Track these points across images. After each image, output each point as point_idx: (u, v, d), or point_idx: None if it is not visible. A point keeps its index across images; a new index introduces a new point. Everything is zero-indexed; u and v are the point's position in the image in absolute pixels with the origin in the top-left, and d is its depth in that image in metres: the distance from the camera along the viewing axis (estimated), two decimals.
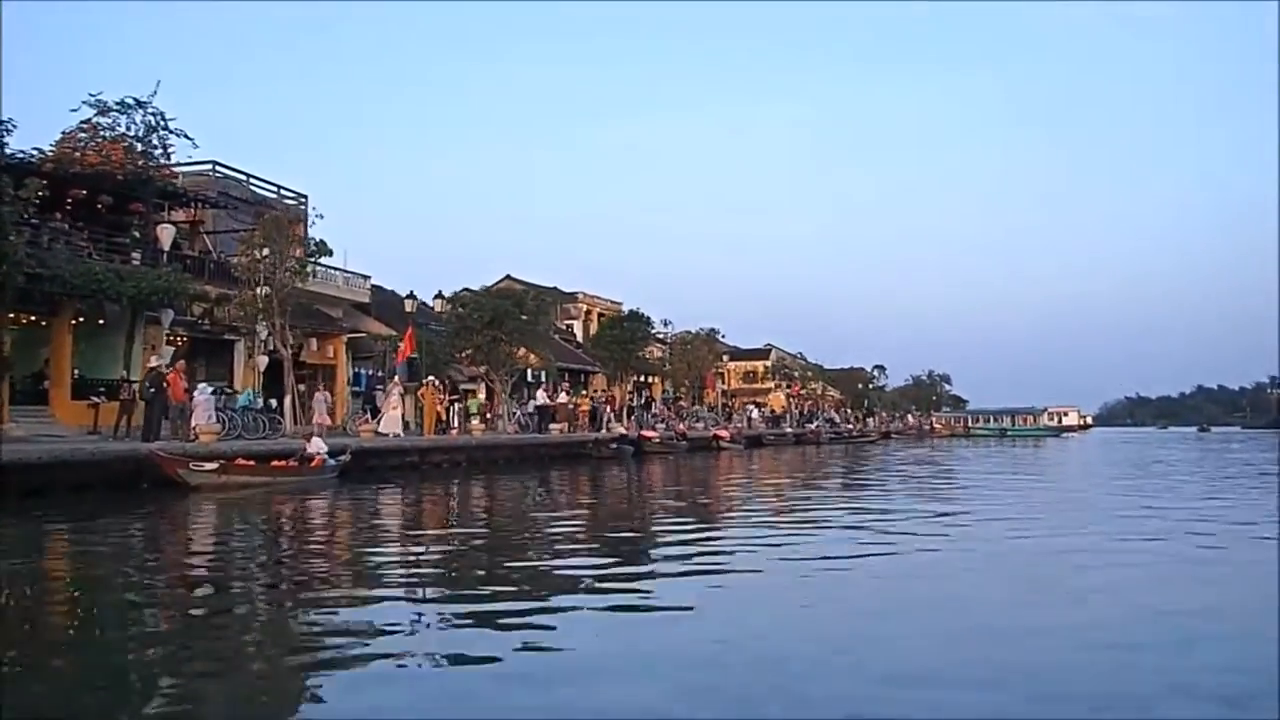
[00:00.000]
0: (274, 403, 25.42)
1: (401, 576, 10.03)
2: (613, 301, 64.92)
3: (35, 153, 23.57)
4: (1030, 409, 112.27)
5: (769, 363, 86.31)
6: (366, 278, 38.47)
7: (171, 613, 8.12)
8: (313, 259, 25.80)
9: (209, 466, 18.53)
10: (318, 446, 20.81)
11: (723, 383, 74.09)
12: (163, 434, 19.78)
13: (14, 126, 22.18)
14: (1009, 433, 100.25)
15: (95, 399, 23.73)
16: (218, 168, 33.86)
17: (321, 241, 26.08)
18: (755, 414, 63.32)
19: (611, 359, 45.11)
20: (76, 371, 25.52)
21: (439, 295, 35.78)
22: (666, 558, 11.16)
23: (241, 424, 22.28)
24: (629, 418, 42.69)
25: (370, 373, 35.78)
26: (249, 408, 23.14)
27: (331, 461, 21.12)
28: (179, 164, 32.38)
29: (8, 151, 23.04)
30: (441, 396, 30.62)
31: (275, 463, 20.32)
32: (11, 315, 24.45)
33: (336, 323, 34.97)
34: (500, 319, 31.66)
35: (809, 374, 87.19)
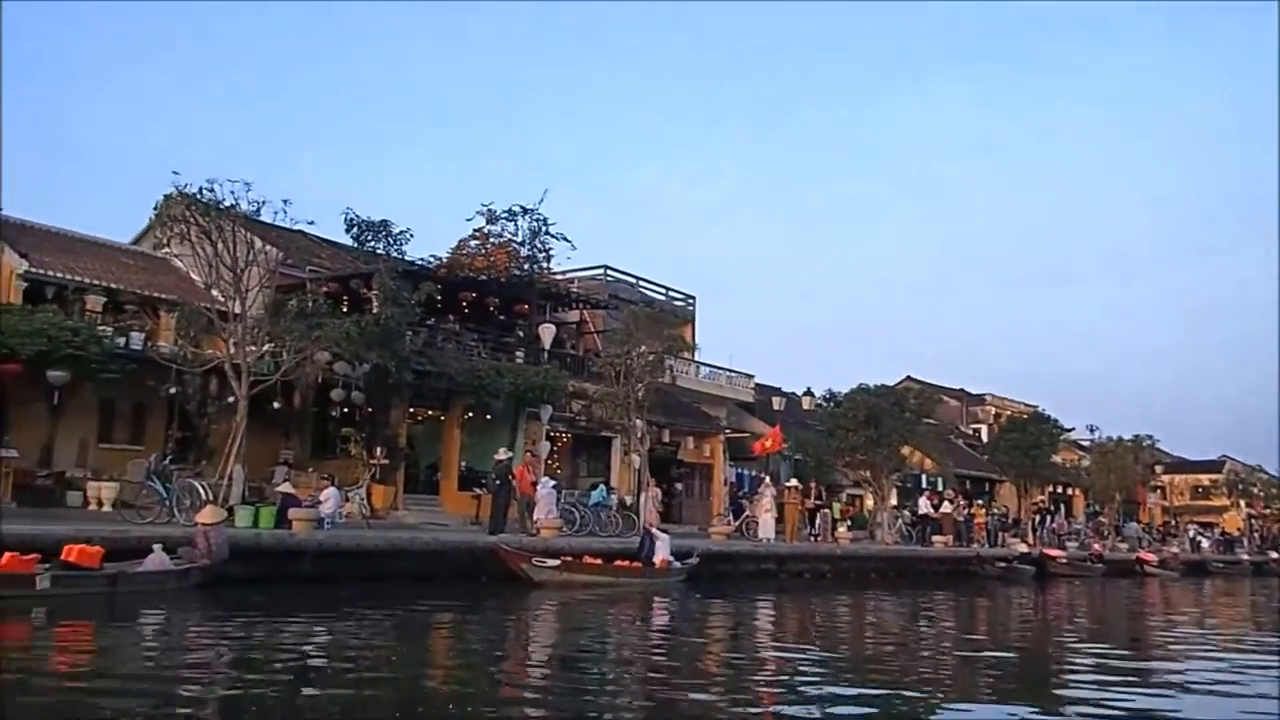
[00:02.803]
0: (628, 499, 25.19)
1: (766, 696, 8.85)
2: (1025, 405, 59.80)
3: (432, 259, 25.63)
4: None
5: (1221, 476, 74.82)
6: (750, 377, 38.16)
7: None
8: (671, 355, 25.53)
9: (551, 563, 18.28)
10: (661, 547, 19.95)
11: (1162, 498, 65.17)
12: (509, 527, 19.97)
13: (411, 235, 24.28)
14: None
15: (478, 490, 24.94)
16: (609, 271, 35.36)
17: (682, 339, 25.83)
18: (1200, 536, 54.57)
19: (1012, 465, 40.87)
20: (464, 464, 27.09)
21: (807, 393, 34.38)
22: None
23: (593, 520, 22.09)
24: (1033, 534, 38.16)
25: (753, 474, 35.04)
26: (601, 504, 23.00)
27: (677, 565, 20.18)
28: (574, 269, 34.42)
29: (407, 259, 25.22)
30: (806, 500, 28.94)
31: (620, 563, 19.74)
32: (412, 410, 26.65)
33: (714, 421, 34.70)
34: (878, 417, 29.52)
35: (1274, 490, 74.37)
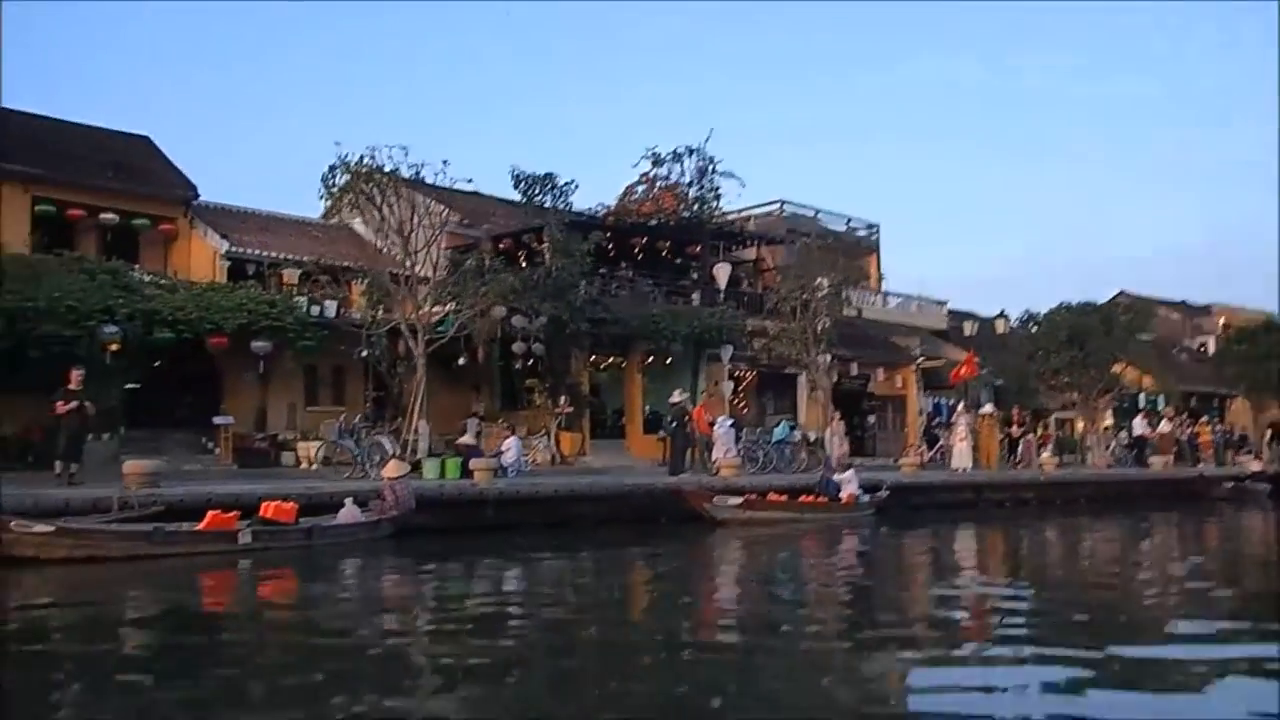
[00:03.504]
0: (812, 434, 24.68)
1: (970, 628, 8.64)
2: (1258, 312, 54.88)
3: (600, 208, 25.71)
4: None
5: None
6: (942, 304, 36.67)
7: (717, 650, 7.55)
8: (849, 285, 24.69)
9: (733, 502, 18.15)
10: (848, 481, 19.47)
11: None
12: (688, 467, 19.93)
13: (576, 186, 24.42)
14: None
15: (662, 433, 25.08)
16: (785, 205, 34.55)
17: (863, 269, 24.97)
18: None
19: (1243, 378, 37.68)
20: (648, 407, 27.27)
21: (1001, 315, 32.59)
22: None
23: (776, 457, 21.78)
24: (1268, 451, 35.07)
25: (949, 403, 33.76)
26: (784, 441, 22.61)
27: (865, 498, 19.65)
28: (750, 206, 33.88)
29: (575, 210, 25.39)
30: (1010, 427, 27.57)
31: (804, 499, 19.40)
32: (593, 358, 27.01)
33: (905, 351, 33.54)
34: (1082, 337, 27.68)
35: None
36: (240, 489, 13.97)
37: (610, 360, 27.81)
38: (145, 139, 28.26)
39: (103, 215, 24.23)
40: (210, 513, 12.31)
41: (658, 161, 26.41)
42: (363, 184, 17.85)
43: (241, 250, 25.08)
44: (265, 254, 25.09)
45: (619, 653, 7.56)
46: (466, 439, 18.39)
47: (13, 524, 10.97)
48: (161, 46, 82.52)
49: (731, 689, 6.21)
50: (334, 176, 18.23)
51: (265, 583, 11.32)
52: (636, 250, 27.11)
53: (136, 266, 23.41)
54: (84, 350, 19.15)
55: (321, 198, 18.54)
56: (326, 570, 11.95)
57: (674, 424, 19.80)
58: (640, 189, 26.47)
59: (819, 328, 23.83)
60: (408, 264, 18.72)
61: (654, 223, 26.35)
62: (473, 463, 16.69)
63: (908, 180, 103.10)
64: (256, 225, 27.23)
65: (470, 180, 20.00)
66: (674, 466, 19.50)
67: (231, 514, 12.43)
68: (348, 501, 13.82)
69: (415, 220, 18.38)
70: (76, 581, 10.52)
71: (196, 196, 26.29)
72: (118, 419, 20.91)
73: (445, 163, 18.44)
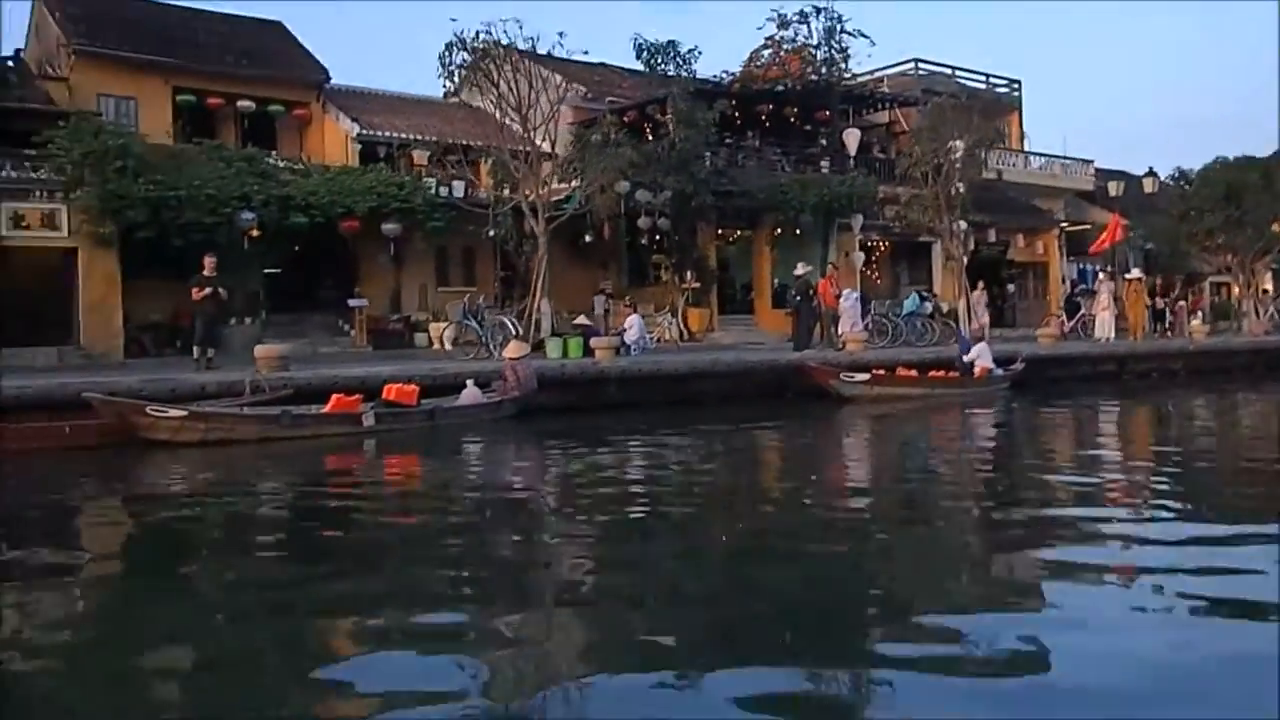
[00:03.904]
0: (944, 305, 23.86)
1: (1108, 515, 8.09)
2: None
3: (725, 76, 24.87)
4: None
5: None
6: (1088, 163, 34.48)
7: (841, 536, 7.51)
8: (985, 146, 23.32)
9: (860, 377, 17.80)
10: (980, 355, 18.81)
11: None
12: (814, 343, 19.60)
13: (700, 54, 23.61)
14: None
15: (789, 307, 24.70)
16: (919, 65, 32.77)
17: (1002, 130, 23.55)
18: None
19: None
20: (777, 281, 26.82)
21: (1149, 173, 30.36)
22: None
23: (906, 330, 21.18)
24: None
25: (1095, 269, 32.09)
26: (915, 313, 21.92)
27: (999, 372, 18.98)
28: (882, 67, 32.33)
29: (699, 78, 24.64)
30: (1155, 295, 26.04)
31: (935, 373, 18.88)
32: (720, 231, 26.60)
33: (1047, 215, 31.87)
34: (1239, 194, 25.66)
35: None
36: (366, 371, 14.44)
37: (738, 233, 27.38)
38: (278, 24, 28.64)
39: (240, 103, 24.85)
40: (334, 396, 12.76)
41: (784, 24, 25.28)
42: (480, 61, 17.65)
43: (372, 133, 25.41)
44: (395, 135, 25.36)
45: (746, 537, 7.51)
46: (583, 319, 18.46)
47: (149, 408, 11.62)
48: None
49: (856, 585, 6.08)
50: (451, 55, 18.10)
51: (389, 463, 11.74)
52: (763, 118, 26.22)
53: (273, 152, 24.04)
54: (223, 237, 19.93)
55: (440, 77, 18.42)
56: (448, 451, 12.30)
57: (798, 298, 19.39)
58: (766, 53, 25.43)
59: (952, 192, 22.77)
60: (528, 141, 18.59)
61: (780, 88, 25.37)
62: (593, 341, 16.79)
63: (1052, 34, 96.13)
64: (386, 107, 27.48)
65: (586, 52, 19.53)
66: (799, 341, 19.19)
67: (355, 397, 12.86)
68: (469, 383, 14.12)
69: (533, 96, 18.14)
70: (209, 463, 11.11)
71: (328, 80, 26.64)
72: (259, 303, 21.86)
73: (561, 34, 18.11)
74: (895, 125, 30.12)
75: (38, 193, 19.26)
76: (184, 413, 11.83)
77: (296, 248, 22.76)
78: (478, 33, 17.49)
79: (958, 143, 22.91)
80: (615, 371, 16.23)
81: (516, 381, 14.42)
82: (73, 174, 19.03)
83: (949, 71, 33.38)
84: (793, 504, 8.96)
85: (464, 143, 21.83)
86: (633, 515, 8.35)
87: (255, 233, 20.74)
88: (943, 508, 8.60)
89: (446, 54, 18.05)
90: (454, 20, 17.80)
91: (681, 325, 24.61)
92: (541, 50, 18.83)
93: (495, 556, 7.01)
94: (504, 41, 17.68)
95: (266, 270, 22.14)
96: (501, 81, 17.89)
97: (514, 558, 7.00)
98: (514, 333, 16.95)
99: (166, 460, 11.20)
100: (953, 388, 18.45)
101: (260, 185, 20.73)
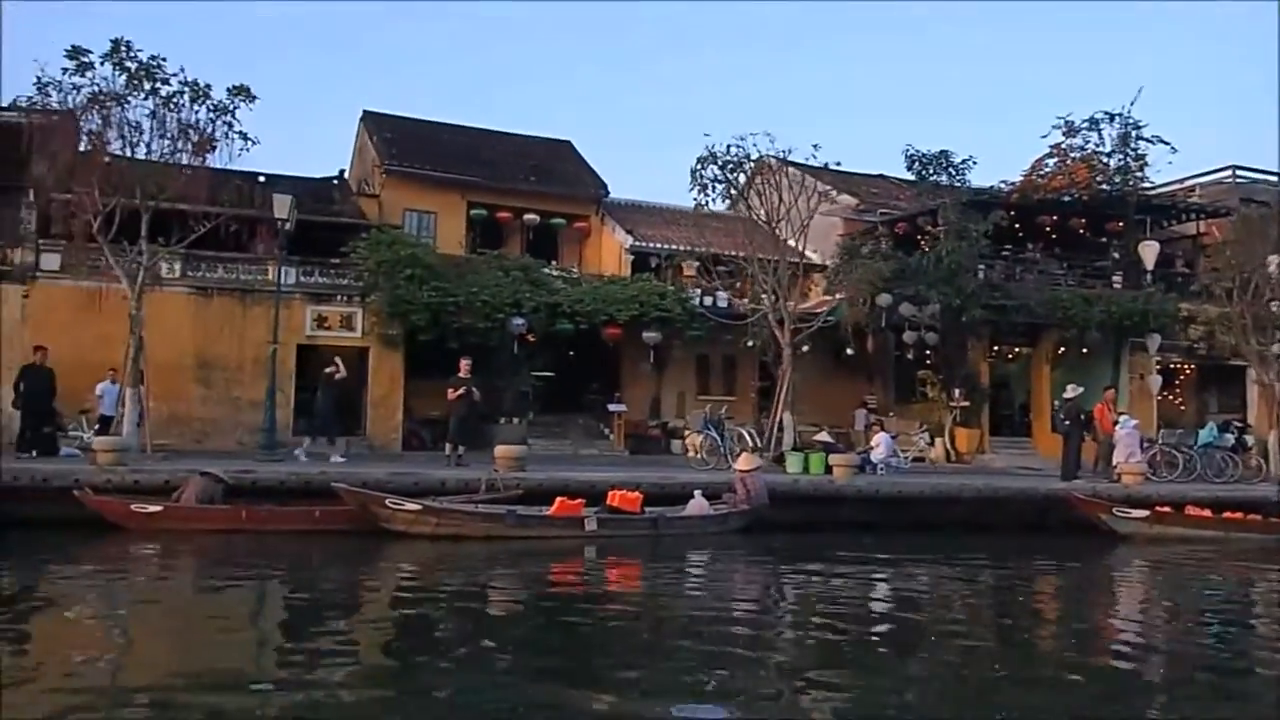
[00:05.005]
0: (1250, 439, 21.04)
1: None
2: None
3: (1003, 186, 23.79)
4: None
5: None
6: None
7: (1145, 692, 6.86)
8: None
9: (1137, 513, 16.04)
10: None
11: None
12: (1086, 472, 17.88)
13: (974, 163, 22.80)
14: None
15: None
16: (1238, 171, 29.95)
17: None
18: None
19: None
20: (1056, 402, 24.87)
21: None
22: None
23: (1201, 463, 18.87)
24: None
25: None
26: (1213, 445, 19.46)
27: None
28: (1193, 175, 29.87)
29: (972, 187, 23.73)
30: None
31: (1231, 514, 16.64)
32: (997, 347, 25.15)
33: None
34: None
35: None
36: (597, 476, 14.61)
37: (1016, 351, 25.79)
38: (567, 143, 30.62)
39: (526, 215, 26.63)
40: (558, 499, 12.97)
41: (1071, 131, 23.90)
42: (728, 173, 17.92)
43: (644, 244, 26.35)
44: (665, 246, 26.13)
45: (1003, 686, 6.82)
46: (824, 434, 17.87)
47: (388, 500, 12.30)
48: (575, 52, 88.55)
49: None
50: (703, 168, 18.49)
51: (611, 570, 11.71)
52: (1046, 229, 24.76)
53: (553, 262, 25.47)
54: (496, 340, 21.17)
55: (691, 190, 18.84)
56: (670, 561, 12.13)
57: (1067, 422, 17.84)
58: (1050, 162, 24.11)
59: (1263, 312, 20.37)
60: (791, 251, 18.56)
61: (1067, 198, 23.90)
62: (832, 458, 16.20)
63: None
64: (661, 219, 28.41)
65: (839, 163, 19.30)
66: (1066, 470, 17.60)
67: (578, 501, 13.02)
68: (696, 493, 13.96)
69: (797, 207, 18.13)
70: (439, 556, 11.57)
71: (607, 194, 28.06)
72: (527, 404, 22.86)
73: (816, 147, 18.02)
74: (1204, 237, 27.50)
75: (339, 296, 21.31)
76: (418, 507, 12.44)
77: (571, 352, 23.78)
78: (728, 146, 17.77)
79: (1273, 256, 20.61)
80: (852, 490, 15.54)
81: (746, 494, 14.11)
82: (369, 280, 20.95)
83: (1275, 179, 30.24)
84: (1056, 657, 8.02)
85: (727, 253, 22.13)
86: (870, 646, 7.93)
87: (531, 338, 21.90)
88: (1260, 677, 7.35)
89: (699, 167, 18.47)
90: (707, 135, 18.14)
91: (948, 445, 23.34)
92: (800, 159, 18.82)
93: (725, 681, 6.60)
94: (754, 154, 17.82)
95: (535, 373, 23.21)
96: (753, 193, 18.01)
97: (744, 683, 6.57)
98: (752, 444, 16.65)
99: (399, 550, 11.80)
100: (1256, 531, 16.18)
101: (532, 292, 21.90)
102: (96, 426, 16.79)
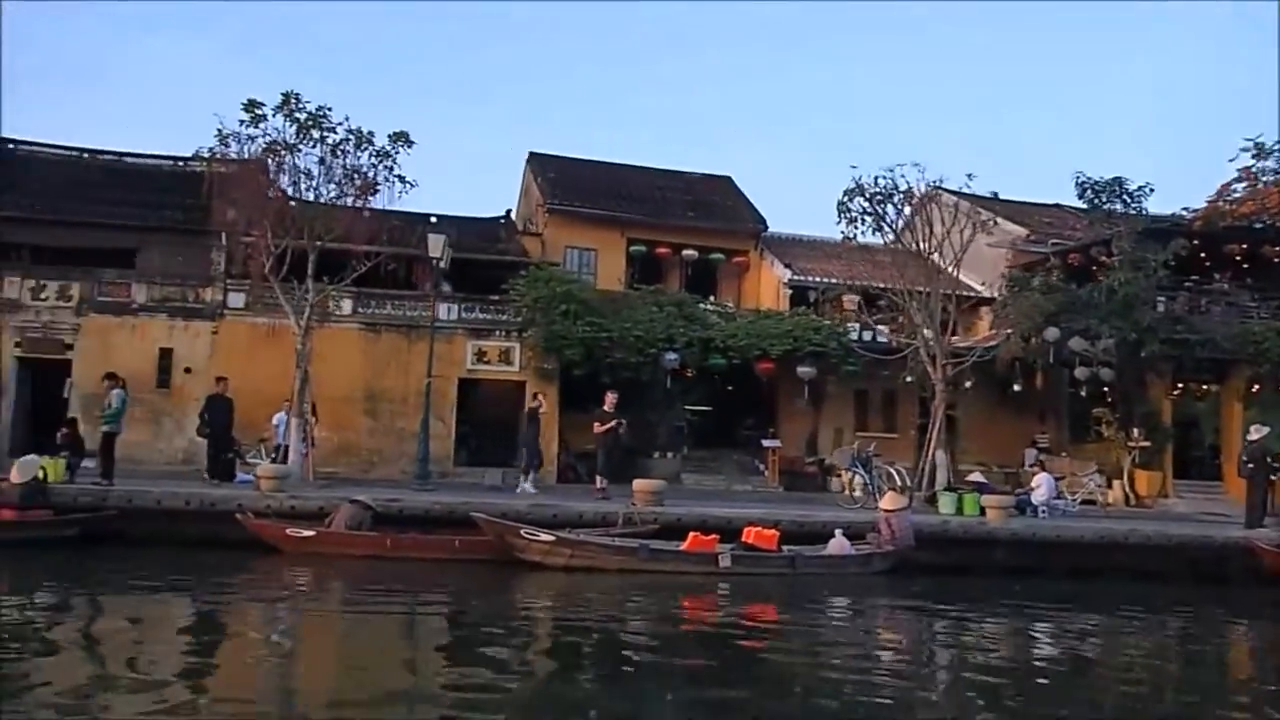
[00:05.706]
0: None
1: None
2: None
3: (1185, 213, 22.32)
4: None
5: None
6: None
7: None
8: None
9: None
10: None
11: None
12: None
13: (1151, 190, 21.54)
14: None
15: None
16: None
17: None
18: None
19: None
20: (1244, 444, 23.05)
21: None
22: None
23: None
24: None
25: None
26: None
27: None
28: None
29: (1148, 214, 22.43)
30: None
31: None
32: (1182, 385, 23.56)
33: None
34: None
35: None
36: (733, 512, 14.47)
37: (1205, 388, 24.09)
38: (727, 178, 30.73)
39: (685, 251, 26.87)
40: (691, 534, 12.91)
41: (1261, 153, 22.19)
42: (876, 205, 17.57)
43: (802, 278, 26.09)
44: (823, 280, 25.78)
45: None
46: (977, 475, 17.13)
47: (523, 530, 12.55)
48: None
49: None
50: (850, 200, 18.17)
51: (746, 610, 11.33)
52: (1235, 258, 23.10)
53: (710, 297, 25.54)
54: (648, 375, 21.36)
55: (839, 222, 18.55)
56: (808, 602, 11.82)
57: (1250, 465, 16.49)
58: (1239, 186, 22.44)
59: None
60: (931, 284, 18.03)
61: (1258, 224, 22.22)
62: (985, 499, 15.50)
63: None
64: (821, 253, 27.98)
65: (996, 193, 18.55)
66: (1250, 516, 16.27)
67: (711, 537, 12.92)
68: (838, 532, 13.62)
69: (934, 241, 17.62)
70: (573, 587, 11.71)
71: (765, 229, 27.99)
72: (682, 439, 22.94)
73: (970, 175, 17.45)
74: None
75: (498, 332, 22.02)
76: (552, 538, 12.65)
77: (728, 387, 23.72)
78: (877, 178, 17.43)
79: None
80: (1006, 534, 14.83)
81: (891, 535, 13.68)
82: (526, 316, 21.55)
83: None
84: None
85: (879, 285, 21.64)
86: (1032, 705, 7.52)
87: (689, 373, 22.00)
88: None
89: (845, 199, 18.17)
90: (854, 167, 17.77)
91: (1127, 488, 21.99)
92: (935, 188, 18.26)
93: None
94: (903, 185, 17.42)
95: (690, 408, 23.25)
96: (904, 224, 17.58)
97: None
98: (900, 483, 16.15)
99: (533, 580, 12.01)
100: None
101: (686, 327, 22.01)
102: (274, 455, 17.84)
